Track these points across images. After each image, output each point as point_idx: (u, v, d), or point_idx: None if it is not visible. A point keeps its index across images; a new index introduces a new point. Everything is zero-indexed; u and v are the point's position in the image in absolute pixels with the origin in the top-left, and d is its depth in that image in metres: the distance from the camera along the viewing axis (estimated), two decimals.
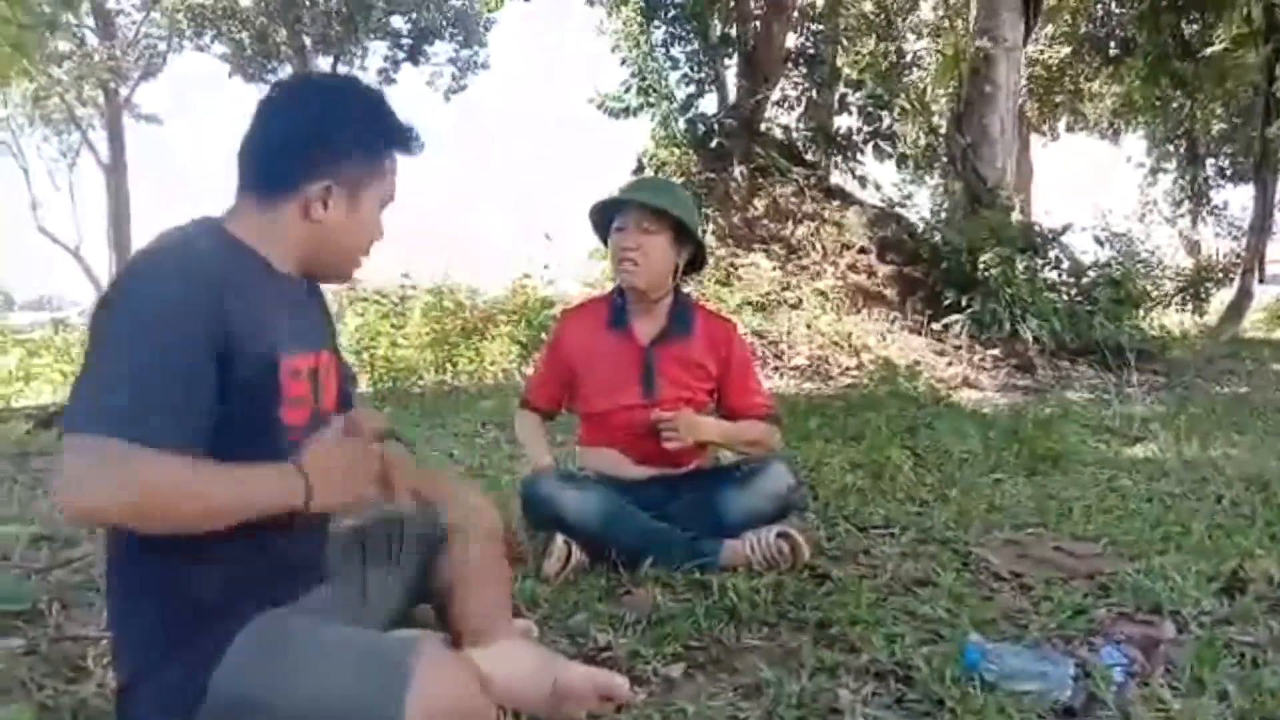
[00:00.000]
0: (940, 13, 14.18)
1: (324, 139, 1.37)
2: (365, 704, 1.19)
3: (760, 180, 9.64)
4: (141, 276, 1.27)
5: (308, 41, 19.31)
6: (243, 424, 1.27)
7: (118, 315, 1.23)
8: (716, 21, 10.77)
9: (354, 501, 1.35)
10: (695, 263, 2.65)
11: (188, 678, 1.26)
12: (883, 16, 13.98)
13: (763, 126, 10.58)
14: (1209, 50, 13.09)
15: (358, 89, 1.47)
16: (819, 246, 9.07)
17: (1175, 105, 16.50)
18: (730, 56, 10.97)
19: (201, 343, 1.21)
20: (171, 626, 1.29)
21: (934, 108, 12.79)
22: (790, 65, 11.65)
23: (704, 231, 8.74)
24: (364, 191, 1.41)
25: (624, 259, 2.49)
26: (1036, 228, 9.09)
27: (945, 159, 11.22)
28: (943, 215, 11.11)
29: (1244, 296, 12.50)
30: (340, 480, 1.31)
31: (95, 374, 1.20)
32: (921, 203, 12.69)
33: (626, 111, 10.66)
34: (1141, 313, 8.82)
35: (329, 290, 1.59)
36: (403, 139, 1.45)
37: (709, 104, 10.84)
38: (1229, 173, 19.68)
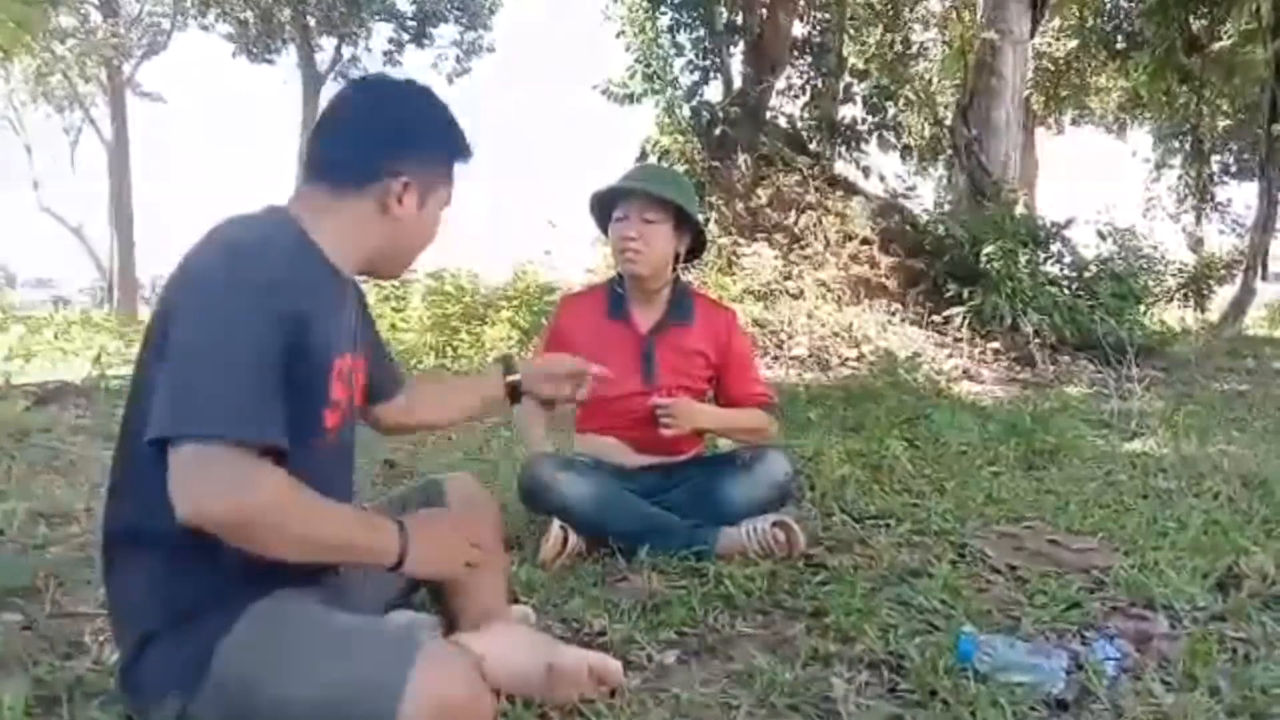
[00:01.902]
0: (947, 4, 14.11)
1: (409, 137, 1.43)
2: (365, 693, 1.19)
3: (764, 169, 9.60)
4: (222, 273, 1.26)
5: (312, 22, 19.22)
6: (294, 426, 1.29)
7: (201, 315, 1.23)
8: (723, 8, 10.72)
9: (439, 574, 1.42)
10: (695, 250, 2.65)
11: (192, 653, 1.27)
12: (889, 7, 13.89)
13: (767, 115, 10.54)
14: (1216, 46, 13.07)
15: (434, 96, 1.52)
16: (821, 236, 9.04)
17: (1182, 101, 16.43)
18: (736, 44, 10.92)
19: (279, 345, 1.24)
20: (177, 602, 1.30)
21: (939, 99, 12.77)
22: (796, 54, 11.60)
23: (706, 220, 8.73)
24: (433, 193, 1.46)
25: (625, 248, 2.49)
26: (1040, 221, 9.05)
27: (950, 151, 11.18)
28: (946, 207, 11.08)
29: (1246, 294, 12.48)
30: (436, 556, 1.38)
31: (190, 377, 1.20)
32: (925, 194, 12.67)
33: (631, 98, 10.62)
34: (1143, 308, 8.80)
35: None
36: (467, 148, 1.52)
37: (714, 91, 10.81)
38: (1234, 169, 19.61)
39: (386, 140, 1.41)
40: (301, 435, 1.33)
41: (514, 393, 1.84)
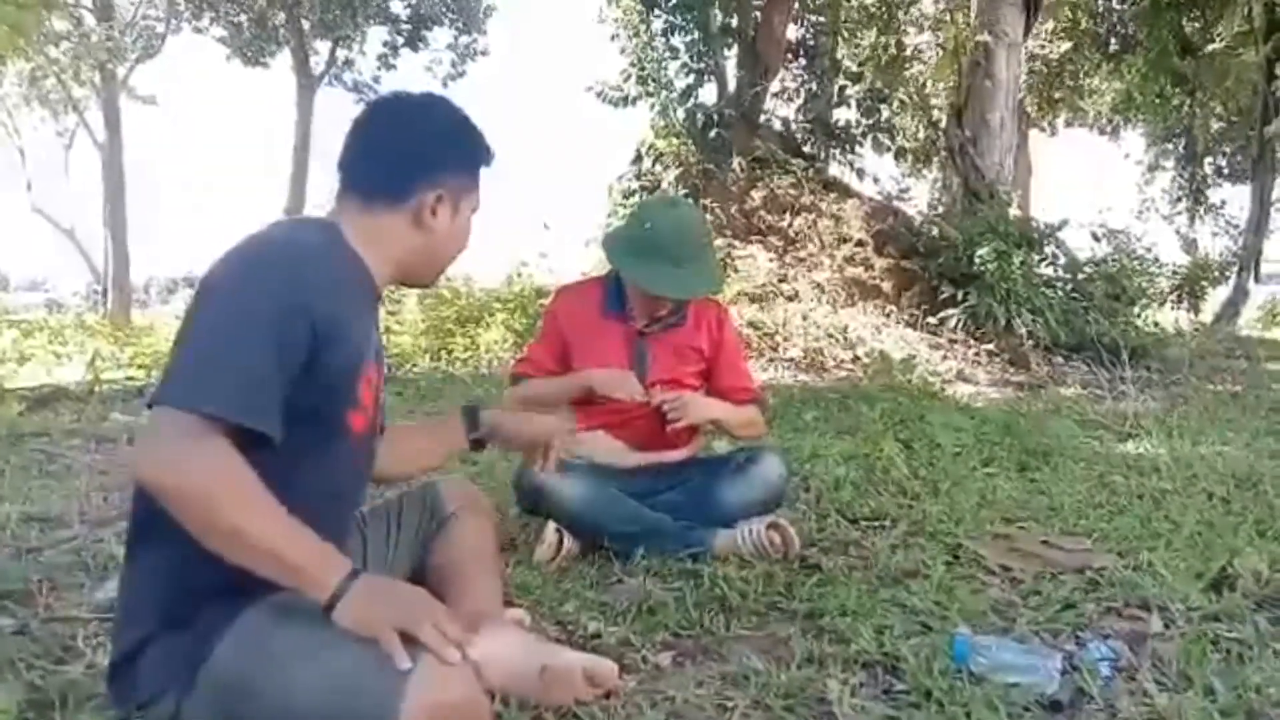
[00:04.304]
0: (941, 6, 14.14)
1: (440, 154, 1.48)
2: (364, 696, 1.19)
3: (758, 171, 9.61)
4: (258, 264, 1.31)
5: (306, 25, 19.20)
6: (315, 422, 1.32)
7: (221, 298, 1.27)
8: (717, 11, 10.74)
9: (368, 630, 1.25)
10: None
11: (189, 652, 1.28)
12: (883, 9, 13.90)
13: (762, 118, 10.55)
14: (1209, 48, 13.12)
15: (455, 107, 1.56)
16: (816, 238, 9.05)
17: (1175, 103, 16.48)
18: (730, 47, 10.94)
19: (301, 338, 1.26)
20: (180, 598, 1.31)
21: (933, 102, 12.74)
22: (790, 57, 11.64)
23: None
24: (464, 201, 1.51)
25: (658, 311, 2.56)
26: (1034, 223, 9.07)
27: (944, 153, 11.19)
28: (940, 209, 11.09)
29: (1240, 295, 12.55)
30: (370, 615, 1.24)
31: (197, 351, 1.24)
32: (919, 196, 12.68)
33: (625, 101, 10.64)
34: (1137, 309, 8.80)
35: None
36: (489, 152, 1.56)
37: (708, 94, 10.83)
38: (1227, 171, 19.68)
39: (418, 159, 1.46)
40: (327, 433, 1.37)
41: (478, 445, 1.81)
